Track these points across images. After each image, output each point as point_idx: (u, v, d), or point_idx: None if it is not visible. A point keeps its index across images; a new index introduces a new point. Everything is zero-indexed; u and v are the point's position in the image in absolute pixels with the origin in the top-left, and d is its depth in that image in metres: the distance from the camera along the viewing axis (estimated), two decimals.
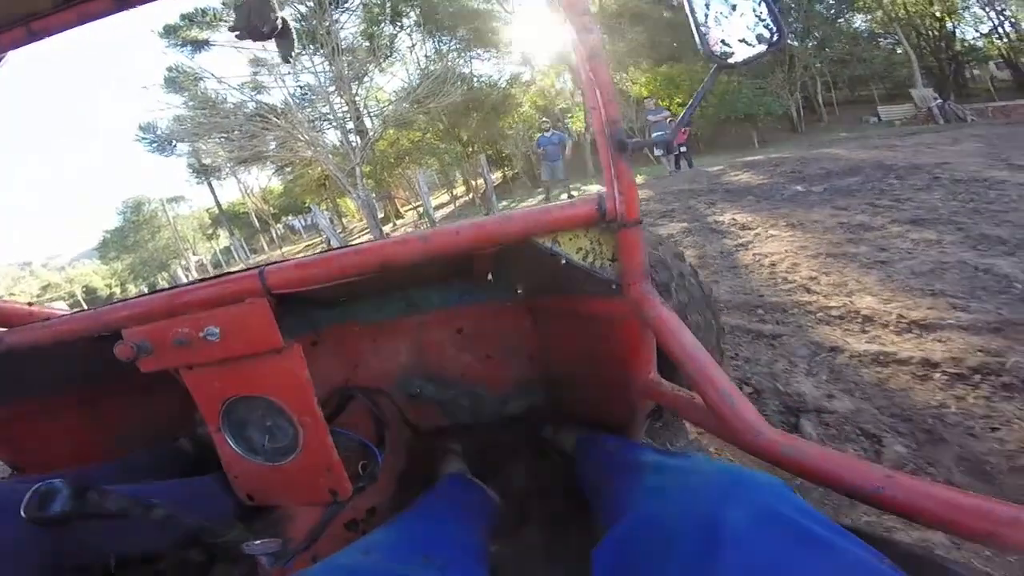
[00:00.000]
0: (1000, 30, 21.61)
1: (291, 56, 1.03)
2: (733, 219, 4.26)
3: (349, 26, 17.54)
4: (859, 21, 20.81)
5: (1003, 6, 19.94)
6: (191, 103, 14.75)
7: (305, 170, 17.57)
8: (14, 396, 0.92)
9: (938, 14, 20.01)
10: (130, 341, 0.75)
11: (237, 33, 0.97)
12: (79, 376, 0.94)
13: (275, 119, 11.77)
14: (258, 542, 0.70)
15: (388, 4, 17.83)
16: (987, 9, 20.70)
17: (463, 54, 19.89)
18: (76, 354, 0.86)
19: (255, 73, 15.56)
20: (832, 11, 20.04)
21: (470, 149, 19.11)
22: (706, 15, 0.76)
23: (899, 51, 19.53)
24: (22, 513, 0.59)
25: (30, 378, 0.90)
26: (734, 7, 0.76)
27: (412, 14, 18.56)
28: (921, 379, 1.60)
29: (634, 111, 15.71)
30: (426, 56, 19.38)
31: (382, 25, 18.07)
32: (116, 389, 0.97)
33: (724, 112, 17.17)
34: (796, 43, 19.54)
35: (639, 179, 11.00)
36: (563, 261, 0.74)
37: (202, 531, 0.71)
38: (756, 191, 5.66)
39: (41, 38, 0.87)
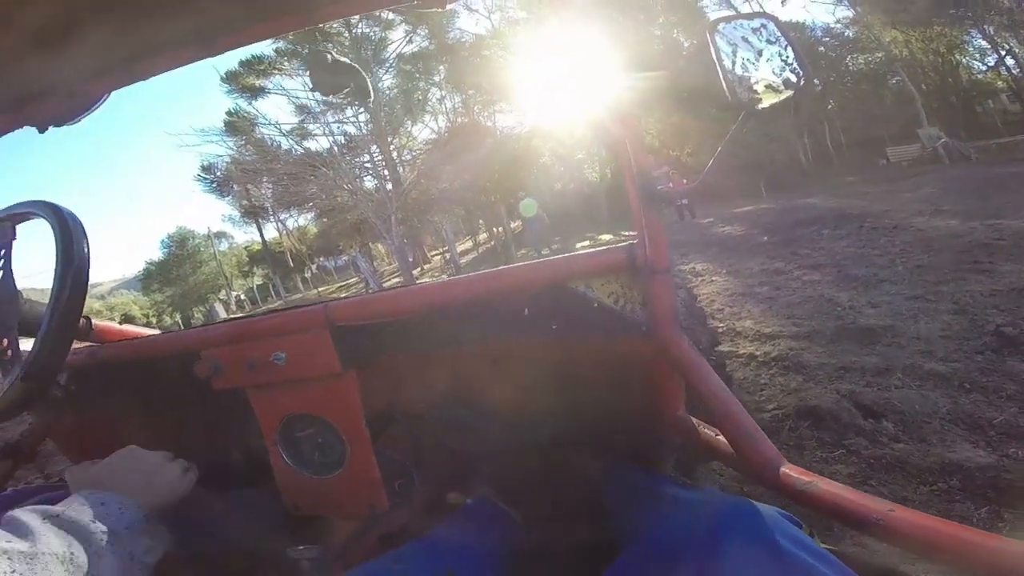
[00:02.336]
0: (1005, 63, 20.96)
1: (367, 98, 1.09)
2: (693, 267, 5.33)
3: (387, 79, 18.96)
4: (862, 63, 20.92)
5: (1006, 36, 19.42)
6: (246, 146, 16.19)
7: (343, 215, 19.18)
8: (99, 405, 0.99)
9: (941, 49, 19.84)
10: (207, 361, 0.84)
11: (320, 90, 1.05)
12: (153, 391, 1.01)
13: (321, 166, 13.40)
14: (300, 547, 0.77)
15: (420, 63, 19.64)
16: (988, 41, 20.14)
17: (487, 107, 21.39)
18: (154, 371, 0.95)
19: (301, 120, 16.80)
20: (834, 53, 20.37)
21: (492, 198, 20.45)
22: (732, 62, 0.76)
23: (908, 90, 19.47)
24: None
25: (114, 390, 0.97)
26: (760, 52, 0.76)
27: (441, 69, 20.18)
28: (743, 364, 2.60)
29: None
30: (454, 108, 20.88)
31: (417, 81, 19.50)
32: (179, 405, 1.03)
33: (731, 161, 17.81)
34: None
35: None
36: (595, 304, 0.78)
37: (257, 535, 0.80)
38: (727, 242, 6.74)
39: (141, 79, 0.94)
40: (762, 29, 0.79)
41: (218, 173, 20.00)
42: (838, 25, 21.06)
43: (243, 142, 16.54)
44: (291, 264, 29.74)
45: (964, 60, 21.12)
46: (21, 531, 0.47)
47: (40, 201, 0.74)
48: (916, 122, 18.33)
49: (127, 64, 0.91)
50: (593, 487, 0.96)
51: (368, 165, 16.93)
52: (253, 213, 24.16)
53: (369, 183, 16.70)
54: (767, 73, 0.77)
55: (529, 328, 0.84)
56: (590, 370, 0.92)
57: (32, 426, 1.09)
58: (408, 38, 19.21)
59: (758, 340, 2.90)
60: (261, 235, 28.32)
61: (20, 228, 0.76)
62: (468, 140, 15.30)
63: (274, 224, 27.47)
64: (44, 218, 0.72)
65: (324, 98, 15.25)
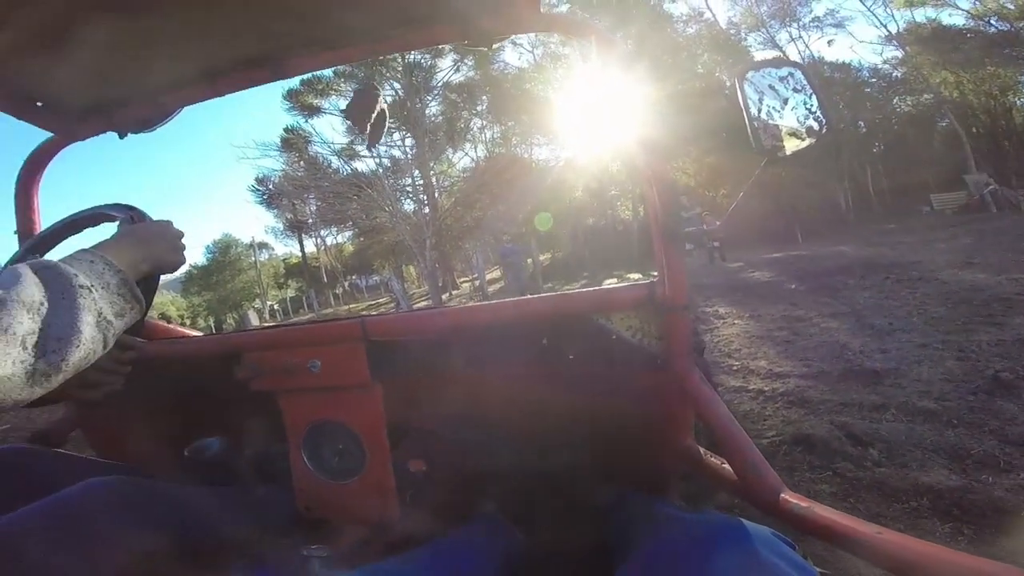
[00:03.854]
0: None
1: (375, 145, 1.10)
2: (716, 310, 5.48)
3: (433, 106, 19.35)
4: (909, 104, 20.31)
5: None
6: (299, 163, 16.78)
7: (380, 235, 19.79)
8: (136, 399, 1.00)
9: (993, 91, 19.14)
10: (248, 364, 0.89)
11: (348, 117, 1.08)
12: (191, 390, 1.04)
13: (365, 187, 13.98)
14: (313, 547, 0.80)
15: (465, 92, 19.96)
16: None
17: (525, 139, 21.17)
18: (196, 370, 1.01)
19: (351, 141, 17.11)
20: (880, 95, 19.71)
21: (524, 230, 20.75)
22: (758, 109, 0.77)
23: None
24: (186, 453, 0.90)
25: (155, 385, 0.99)
26: (785, 100, 0.77)
27: (484, 99, 20.27)
28: (752, 398, 2.78)
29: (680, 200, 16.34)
30: (493, 139, 21.20)
31: (460, 110, 19.77)
32: (212, 406, 1.06)
33: (767, 205, 16.49)
34: (843, 130, 18.58)
35: None
36: (613, 336, 0.82)
37: (270, 530, 0.85)
38: (753, 288, 6.82)
39: (218, 95, 1.00)
40: (789, 78, 0.81)
41: (270, 186, 20.72)
42: (886, 66, 20.44)
43: (296, 158, 17.23)
44: (325, 279, 30.48)
45: (1019, 102, 20.24)
46: (9, 279, 0.48)
47: (124, 205, 0.80)
48: (964, 167, 17.77)
49: (208, 79, 0.98)
50: (599, 513, 0.98)
51: (408, 189, 17.41)
52: (297, 227, 25.23)
53: (408, 207, 17.20)
54: (791, 121, 0.80)
55: (548, 356, 0.87)
56: (603, 399, 0.94)
57: (64, 415, 1.11)
58: (456, 67, 19.55)
59: (769, 378, 3.07)
60: (302, 248, 29.22)
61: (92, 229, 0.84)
62: (504, 171, 15.71)
63: (314, 239, 28.64)
64: (125, 220, 0.76)
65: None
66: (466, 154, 21.00)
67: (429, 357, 0.93)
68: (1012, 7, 17.75)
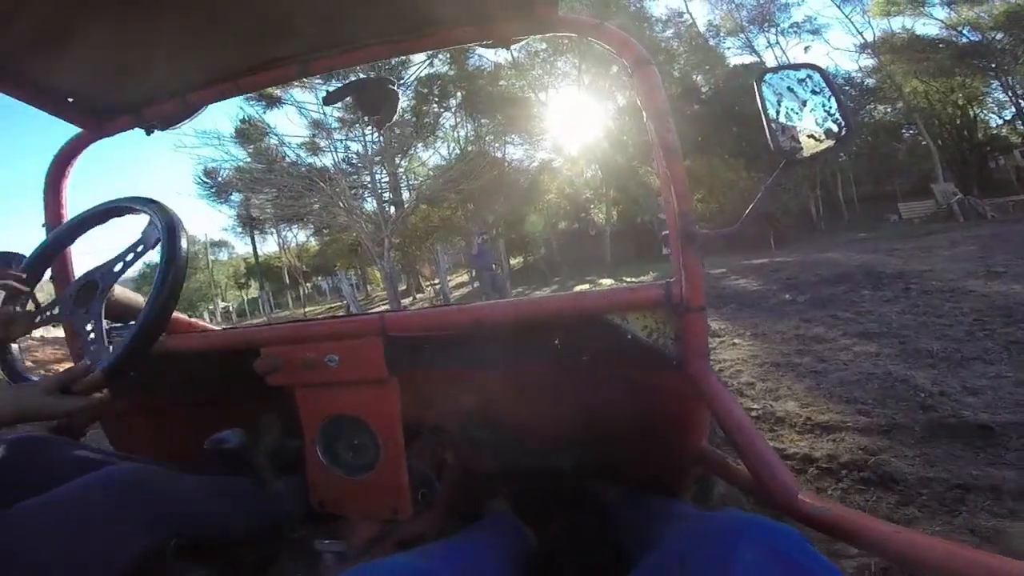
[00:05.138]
0: (1022, 116, 20.39)
1: (383, 126, 1.24)
2: (709, 325, 4.48)
3: (404, 99, 18.98)
4: (880, 113, 20.43)
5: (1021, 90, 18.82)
6: (253, 156, 15.57)
7: (340, 235, 18.52)
8: (156, 392, 1.04)
9: (960, 101, 19.39)
10: (268, 358, 0.90)
11: (364, 113, 1.10)
12: (210, 383, 1.07)
13: (321, 183, 12.78)
14: (327, 541, 0.82)
15: (437, 86, 19.32)
16: (1009, 93, 19.90)
17: (499, 138, 20.76)
18: (216, 364, 1.01)
19: (313, 135, 16.11)
20: (853, 103, 19.22)
21: (494, 232, 19.91)
22: (777, 111, 0.78)
23: (923, 143, 18.83)
24: (205, 446, 0.86)
25: (174, 377, 1.02)
26: (804, 103, 0.78)
27: (458, 94, 19.68)
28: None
29: (647, 203, 15.98)
30: (465, 136, 20.45)
31: (431, 105, 19.04)
32: (231, 399, 1.07)
33: (741, 209, 17.23)
34: None
35: (648, 277, 11.31)
36: (629, 336, 0.81)
37: (286, 523, 0.87)
38: (745, 299, 5.92)
39: (244, 93, 1.03)
40: (808, 80, 0.80)
41: (219, 179, 19.27)
42: (858, 74, 20.50)
43: (251, 150, 16.05)
44: (287, 280, 29.29)
45: (982, 113, 20.74)
46: None
47: (144, 198, 0.81)
48: (930, 177, 17.98)
49: (234, 78, 0.99)
50: (613, 514, 0.97)
51: (369, 184, 16.05)
52: (249, 223, 23.55)
53: (371, 205, 15.92)
54: (810, 123, 0.79)
55: (564, 355, 0.87)
56: (617, 400, 0.96)
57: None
58: (429, 61, 18.92)
59: (811, 432, 2.07)
60: (254, 246, 27.93)
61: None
62: (476, 169, 14.80)
63: (274, 238, 27.11)
64: (149, 215, 0.78)
65: (335, 113, 15.13)
66: (436, 151, 20.19)
67: (442, 354, 0.92)
68: (987, 18, 17.89)
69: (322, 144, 16.10)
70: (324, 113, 15.58)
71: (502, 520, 0.99)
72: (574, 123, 20.31)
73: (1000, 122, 21.73)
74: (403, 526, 0.90)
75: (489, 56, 19.58)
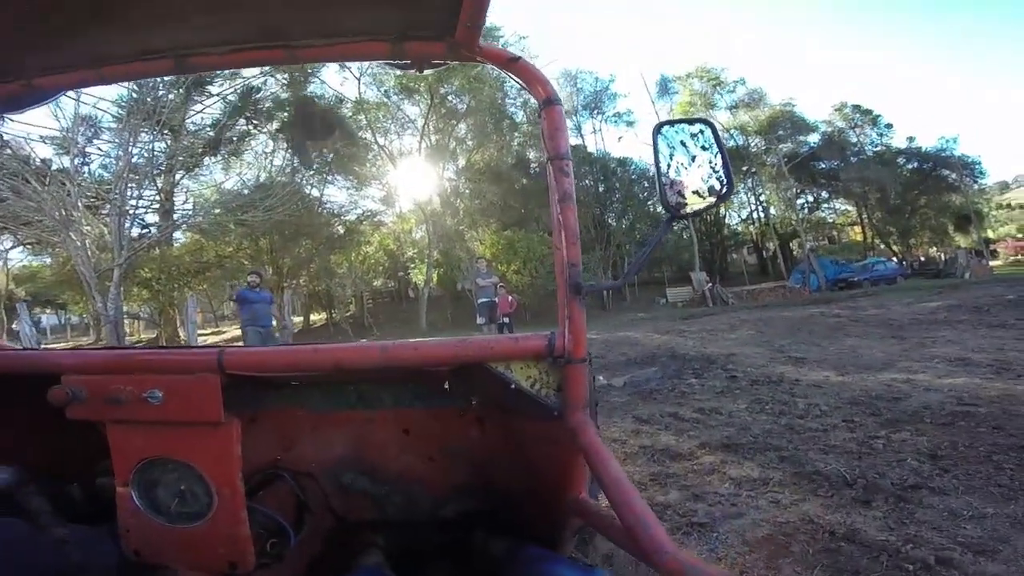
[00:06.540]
0: (754, 216, 25.63)
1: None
2: (591, 376, 3.32)
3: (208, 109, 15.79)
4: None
5: (770, 187, 23.45)
6: None
7: (59, 256, 13.60)
8: None
9: None
10: (67, 387, 0.78)
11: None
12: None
13: (35, 183, 8.73)
14: None
15: (253, 100, 16.60)
16: (750, 194, 25.01)
17: (320, 173, 18.77)
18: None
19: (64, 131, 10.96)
20: (645, 193, 22.27)
21: (293, 282, 16.99)
22: (668, 165, 0.81)
23: (686, 235, 21.52)
24: None
25: None
26: (694, 158, 0.81)
27: (283, 115, 17.38)
28: None
29: (469, 269, 15.40)
30: (280, 166, 18.04)
31: (236, 120, 16.43)
32: (35, 427, 0.93)
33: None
34: (613, 223, 21.61)
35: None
36: (512, 386, 0.79)
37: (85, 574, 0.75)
38: None
39: (107, 83, 0.99)
40: (700, 134, 0.83)
41: None
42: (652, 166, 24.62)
43: None
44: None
45: (725, 211, 25.20)
46: None
47: None
48: (690, 265, 20.88)
49: (95, 66, 0.91)
50: (493, 566, 0.94)
51: (116, 197, 11.04)
52: None
53: (109, 223, 11.64)
54: (696, 180, 0.81)
55: (446, 403, 0.87)
56: (502, 447, 0.96)
57: None
58: (264, 80, 16.65)
59: None
60: None
61: None
62: (280, 204, 12.30)
63: None
64: None
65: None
66: (239, 176, 16.98)
67: (302, 395, 0.89)
68: (753, 123, 22.58)
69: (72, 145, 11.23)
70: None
71: (374, 573, 0.92)
72: (409, 176, 19.44)
73: (739, 220, 27.11)
74: None
75: (334, 85, 17.91)
